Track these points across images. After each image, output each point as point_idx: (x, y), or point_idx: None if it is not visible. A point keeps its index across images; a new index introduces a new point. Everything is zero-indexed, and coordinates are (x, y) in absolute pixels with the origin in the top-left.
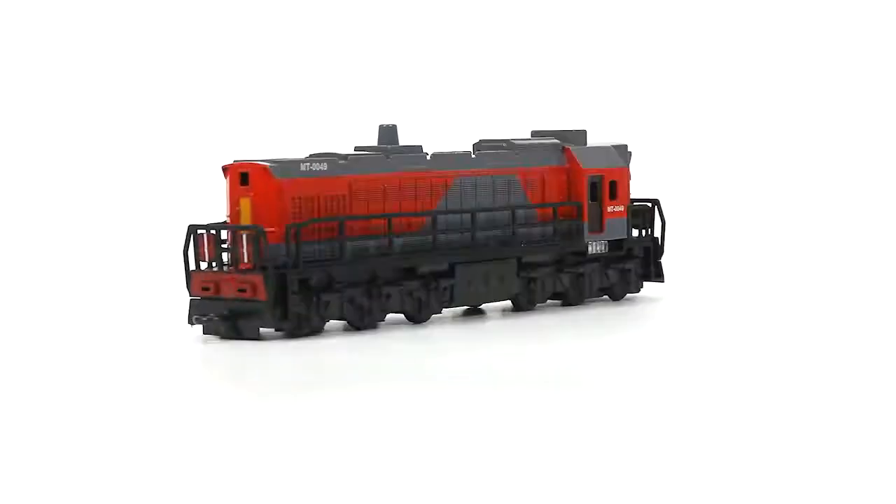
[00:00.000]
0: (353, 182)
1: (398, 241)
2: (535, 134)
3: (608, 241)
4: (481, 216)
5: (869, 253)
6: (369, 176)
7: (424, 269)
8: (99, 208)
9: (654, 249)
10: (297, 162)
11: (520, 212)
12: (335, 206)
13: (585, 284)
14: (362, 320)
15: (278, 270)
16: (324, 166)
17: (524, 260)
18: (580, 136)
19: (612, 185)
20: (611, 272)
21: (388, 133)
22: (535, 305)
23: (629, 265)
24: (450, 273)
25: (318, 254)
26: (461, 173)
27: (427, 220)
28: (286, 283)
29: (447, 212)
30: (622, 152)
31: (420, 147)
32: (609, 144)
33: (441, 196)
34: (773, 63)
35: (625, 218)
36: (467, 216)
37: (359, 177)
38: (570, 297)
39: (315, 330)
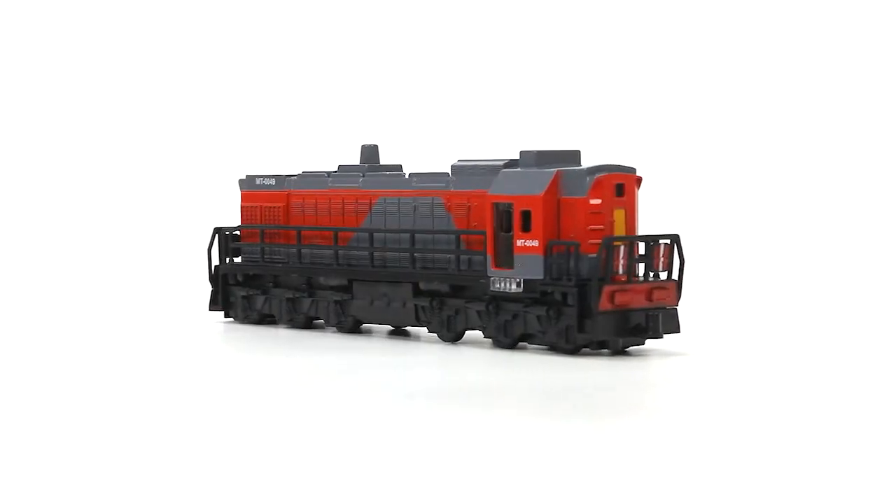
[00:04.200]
0: (291, 196)
1: (305, 252)
2: (522, 154)
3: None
4: (390, 237)
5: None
6: (305, 192)
7: (330, 282)
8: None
9: None
10: (254, 177)
11: (438, 237)
12: (273, 216)
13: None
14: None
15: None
16: (272, 182)
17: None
18: (573, 156)
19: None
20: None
21: (369, 152)
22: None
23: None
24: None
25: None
26: (386, 193)
27: (355, 235)
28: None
29: (338, 228)
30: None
31: (400, 167)
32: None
33: (366, 215)
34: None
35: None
36: (380, 235)
37: (296, 192)
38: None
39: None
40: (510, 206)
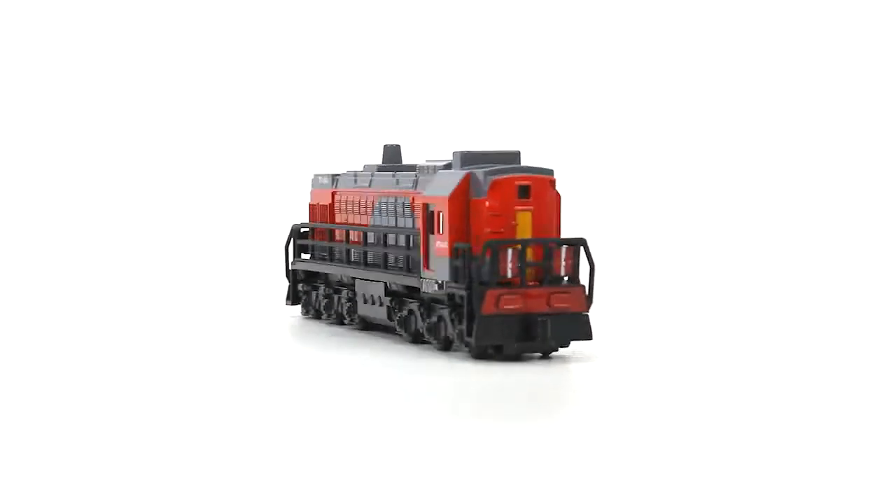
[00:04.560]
0: (335, 194)
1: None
2: (454, 155)
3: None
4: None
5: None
6: (343, 191)
7: (344, 279)
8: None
9: None
10: (318, 176)
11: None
12: (324, 213)
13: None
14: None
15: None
16: (327, 180)
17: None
18: (512, 157)
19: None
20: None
21: (391, 152)
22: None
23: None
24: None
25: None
26: (383, 193)
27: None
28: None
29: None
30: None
31: (414, 166)
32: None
33: (371, 214)
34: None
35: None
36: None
37: (337, 191)
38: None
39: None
40: (434, 207)
